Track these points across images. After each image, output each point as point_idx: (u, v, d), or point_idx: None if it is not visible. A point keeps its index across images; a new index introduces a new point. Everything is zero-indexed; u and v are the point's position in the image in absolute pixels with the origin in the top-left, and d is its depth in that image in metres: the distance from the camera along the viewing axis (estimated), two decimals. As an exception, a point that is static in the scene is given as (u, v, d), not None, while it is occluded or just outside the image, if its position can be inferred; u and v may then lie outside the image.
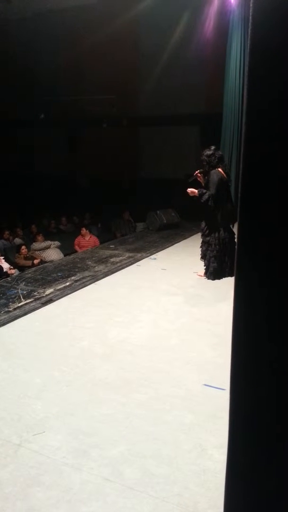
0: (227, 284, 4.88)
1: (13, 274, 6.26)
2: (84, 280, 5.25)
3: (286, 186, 0.92)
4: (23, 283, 5.15)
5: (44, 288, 4.93)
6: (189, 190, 5.02)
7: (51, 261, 6.84)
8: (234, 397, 1.12)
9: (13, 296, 4.65)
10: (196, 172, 5.14)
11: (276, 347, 1.02)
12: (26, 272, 5.91)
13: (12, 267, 6.72)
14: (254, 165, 0.95)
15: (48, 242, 7.96)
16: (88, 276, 5.42)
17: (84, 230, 8.36)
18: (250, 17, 0.87)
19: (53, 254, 7.65)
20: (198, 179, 5.15)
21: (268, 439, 1.07)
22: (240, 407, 1.10)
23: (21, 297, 4.60)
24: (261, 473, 1.09)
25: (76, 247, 8.13)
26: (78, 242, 8.25)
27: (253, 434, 1.09)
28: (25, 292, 4.79)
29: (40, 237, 8.00)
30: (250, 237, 0.99)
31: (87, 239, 8.25)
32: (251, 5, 0.87)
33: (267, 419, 1.06)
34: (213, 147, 5.14)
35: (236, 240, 4.52)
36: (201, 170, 5.11)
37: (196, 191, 4.99)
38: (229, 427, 1.15)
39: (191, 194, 5.02)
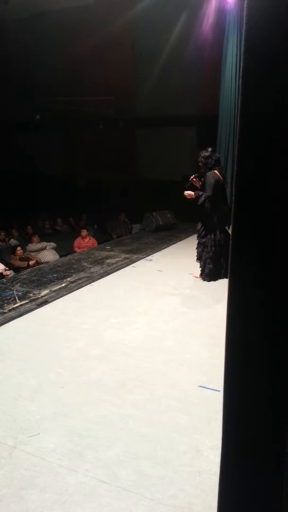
0: (223, 286, 4.88)
1: (8, 275, 6.24)
2: (79, 281, 5.24)
3: (281, 188, 0.93)
4: (19, 284, 5.14)
5: (40, 289, 4.92)
6: (186, 193, 5.04)
7: (47, 262, 6.83)
8: (227, 398, 1.12)
9: (8, 297, 4.64)
10: (192, 177, 5.16)
11: (270, 348, 1.02)
12: (22, 273, 5.89)
13: (7, 268, 6.70)
14: (248, 167, 0.95)
15: (44, 243, 7.94)
16: (83, 277, 5.41)
17: (84, 232, 8.32)
18: (245, 20, 0.88)
19: (48, 255, 7.63)
20: (194, 183, 5.16)
21: (261, 440, 1.07)
22: (233, 408, 1.10)
23: (17, 298, 4.58)
24: (255, 475, 1.09)
25: (76, 249, 8.09)
26: (78, 244, 8.22)
27: (247, 435, 1.09)
28: (20, 293, 4.78)
29: (35, 238, 7.97)
30: (244, 239, 0.99)
31: (86, 241, 8.23)
32: (245, 7, 0.88)
33: (261, 420, 1.07)
34: (210, 149, 5.15)
35: (231, 241, 4.52)
36: (196, 174, 5.14)
37: (193, 193, 5.01)
38: (223, 428, 1.15)
39: (188, 197, 5.04)
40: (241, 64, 0.92)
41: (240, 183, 0.97)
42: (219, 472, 1.20)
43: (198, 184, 5.14)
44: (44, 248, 7.80)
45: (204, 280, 5.20)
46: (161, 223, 8.75)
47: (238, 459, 1.12)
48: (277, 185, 0.93)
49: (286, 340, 0.99)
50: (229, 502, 1.16)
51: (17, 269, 6.87)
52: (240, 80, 0.93)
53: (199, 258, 5.29)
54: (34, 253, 7.68)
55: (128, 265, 6.12)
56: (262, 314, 1.01)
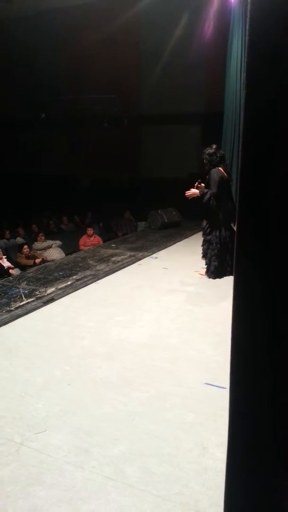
0: (228, 283, 4.87)
1: (13, 274, 6.27)
2: (85, 279, 5.25)
3: (284, 185, 0.92)
4: (25, 282, 5.16)
5: (46, 287, 4.94)
6: (189, 193, 5.02)
7: (53, 260, 6.85)
8: (233, 395, 1.12)
9: (14, 295, 4.66)
10: (196, 183, 5.12)
11: (275, 344, 1.02)
12: (28, 271, 5.92)
13: (12, 266, 6.73)
14: (252, 164, 0.95)
15: (50, 242, 7.97)
16: (89, 275, 5.42)
17: (91, 230, 8.36)
18: (248, 16, 0.87)
19: (54, 253, 7.66)
20: (199, 188, 5.13)
21: (267, 436, 1.07)
22: (239, 405, 1.10)
23: (23, 296, 4.60)
24: (261, 471, 1.09)
25: (82, 247, 8.11)
26: (83, 242, 8.24)
27: (253, 432, 1.09)
28: (26, 291, 4.80)
29: (41, 237, 8.01)
30: (249, 235, 0.99)
31: (92, 239, 8.26)
32: (248, 4, 0.87)
33: (267, 416, 1.06)
34: (214, 146, 5.14)
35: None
36: (200, 180, 5.10)
37: (197, 191, 5.00)
38: (229, 425, 1.15)
39: (191, 196, 5.03)
40: (245, 61, 0.92)
41: (244, 180, 0.97)
42: (225, 469, 1.20)
43: (202, 188, 5.12)
44: (50, 247, 7.83)
45: (209, 278, 5.19)
46: (166, 220, 8.74)
47: (244, 457, 1.12)
48: (281, 182, 0.93)
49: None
50: (236, 498, 1.16)
51: (23, 267, 6.90)
52: (244, 76, 0.92)
53: (204, 256, 5.28)
54: (40, 251, 7.71)
55: (133, 262, 6.12)
56: (268, 310, 1.01)
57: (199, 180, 5.10)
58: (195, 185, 5.09)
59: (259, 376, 1.05)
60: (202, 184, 5.08)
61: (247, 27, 0.88)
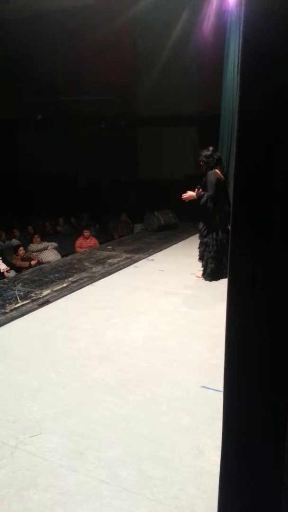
0: (225, 285, 4.85)
1: (8, 276, 6.24)
2: (81, 281, 5.24)
3: (280, 187, 0.92)
4: (20, 284, 5.14)
5: (41, 289, 4.92)
6: (185, 195, 5.01)
7: (48, 262, 6.83)
8: (228, 397, 1.11)
9: (10, 297, 4.64)
10: (196, 190, 5.11)
11: (270, 347, 1.02)
12: (23, 273, 5.90)
13: (8, 269, 6.69)
14: (247, 166, 0.95)
15: (45, 243, 7.95)
16: (85, 277, 5.41)
17: (87, 233, 8.35)
18: (242, 17, 0.87)
19: (50, 255, 7.64)
20: None
21: (262, 439, 1.07)
22: (233, 406, 1.10)
23: (18, 298, 4.59)
24: (255, 474, 1.08)
25: (78, 249, 8.09)
26: (79, 244, 8.22)
27: (247, 433, 1.09)
28: (22, 293, 4.78)
29: (37, 238, 7.98)
30: (244, 237, 0.99)
31: (88, 241, 8.25)
32: (243, 5, 0.87)
33: (262, 418, 1.06)
34: (211, 148, 5.15)
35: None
36: (199, 186, 5.10)
37: (194, 193, 5.00)
38: (223, 427, 1.15)
39: (188, 199, 5.03)
40: (239, 63, 0.91)
41: (239, 182, 0.96)
42: (219, 472, 1.19)
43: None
44: (45, 248, 7.81)
45: (206, 280, 5.19)
46: (162, 222, 8.74)
47: (238, 460, 1.11)
48: (277, 184, 0.92)
49: (286, 339, 0.98)
50: (230, 501, 1.15)
51: (18, 269, 6.88)
52: (238, 78, 0.92)
53: (201, 258, 5.29)
54: (35, 253, 7.68)
55: (129, 265, 6.12)
56: (262, 312, 1.01)
57: (198, 186, 5.10)
58: (195, 191, 5.09)
59: (254, 377, 1.04)
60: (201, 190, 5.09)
61: (241, 30, 0.88)
